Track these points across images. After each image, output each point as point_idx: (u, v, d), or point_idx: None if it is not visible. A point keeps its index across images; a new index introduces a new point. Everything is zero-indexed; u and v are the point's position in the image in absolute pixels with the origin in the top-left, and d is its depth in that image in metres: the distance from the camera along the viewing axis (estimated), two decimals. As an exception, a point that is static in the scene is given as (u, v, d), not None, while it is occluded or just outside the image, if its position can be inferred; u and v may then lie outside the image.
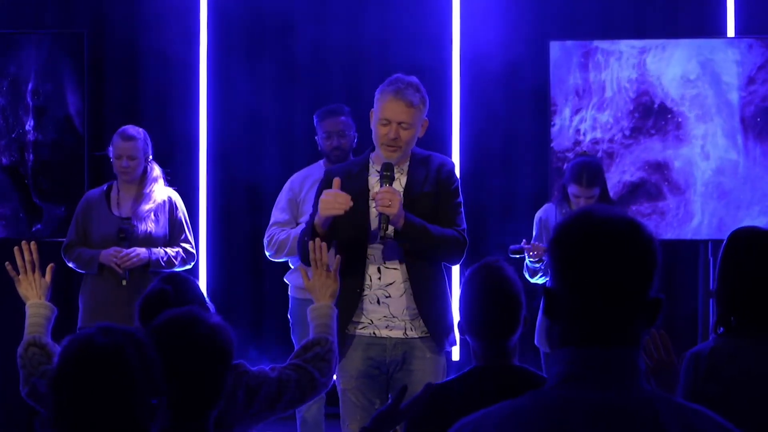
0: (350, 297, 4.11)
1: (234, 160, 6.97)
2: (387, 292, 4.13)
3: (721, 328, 3.10)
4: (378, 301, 4.13)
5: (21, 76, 6.49)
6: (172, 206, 5.50)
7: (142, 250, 5.33)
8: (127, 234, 5.35)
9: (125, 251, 5.30)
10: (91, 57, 6.67)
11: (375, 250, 4.12)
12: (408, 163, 4.21)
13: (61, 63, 6.49)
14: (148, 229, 5.40)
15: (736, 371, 3.00)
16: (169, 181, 5.62)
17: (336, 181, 4.03)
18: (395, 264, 4.12)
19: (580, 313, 1.73)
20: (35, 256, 3.45)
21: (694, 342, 6.26)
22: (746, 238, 3.14)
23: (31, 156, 6.49)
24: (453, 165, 4.28)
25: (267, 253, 5.55)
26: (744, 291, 3.06)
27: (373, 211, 4.08)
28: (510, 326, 2.93)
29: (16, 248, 3.47)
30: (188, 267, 5.48)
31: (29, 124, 6.49)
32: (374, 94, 4.24)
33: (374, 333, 4.14)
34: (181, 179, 6.87)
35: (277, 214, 5.57)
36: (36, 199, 6.47)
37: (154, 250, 5.37)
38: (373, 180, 4.18)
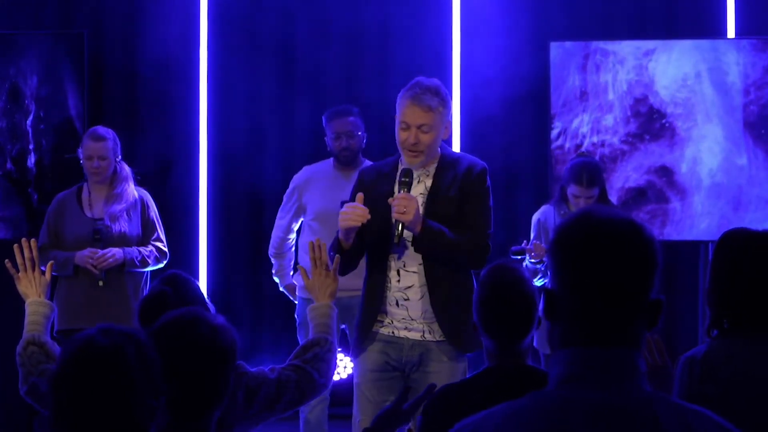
0: (373, 297, 4.16)
1: (234, 162, 6.97)
2: (406, 294, 4.15)
3: (715, 331, 3.09)
4: (397, 303, 4.16)
5: (21, 77, 6.48)
6: (144, 205, 5.53)
7: (117, 251, 5.35)
8: (102, 235, 5.37)
9: (101, 252, 5.32)
10: (91, 57, 6.66)
11: (395, 253, 4.14)
12: (435, 165, 4.21)
13: (61, 63, 6.49)
14: (122, 229, 5.42)
15: (731, 373, 2.99)
16: (139, 181, 5.65)
17: (359, 196, 4.06)
18: (414, 267, 4.14)
19: (580, 314, 1.73)
20: (35, 253, 3.45)
21: (695, 342, 6.26)
22: (738, 239, 3.14)
23: (31, 158, 6.48)
24: (483, 167, 4.25)
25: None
26: (737, 292, 3.05)
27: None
28: (524, 326, 2.97)
29: (15, 246, 3.47)
30: (161, 266, 5.50)
31: (29, 126, 6.48)
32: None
33: (393, 333, 4.18)
34: (182, 180, 6.89)
35: (277, 220, 5.79)
36: (36, 200, 6.46)
37: (128, 249, 5.40)
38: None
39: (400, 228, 4.01)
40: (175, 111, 6.97)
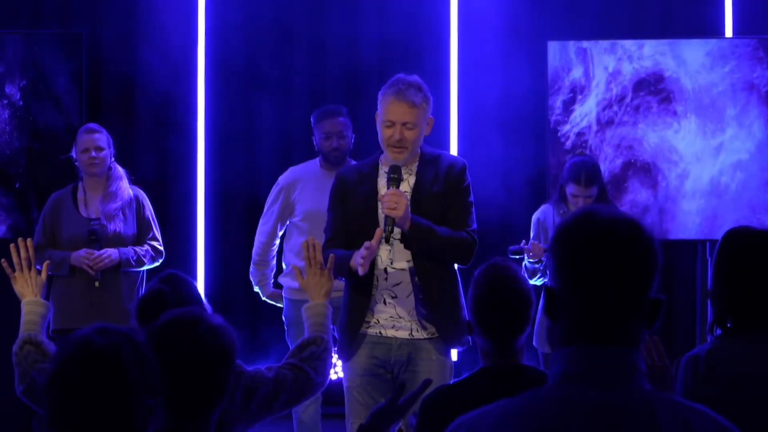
0: (359, 297, 4.14)
1: (231, 164, 6.97)
2: (393, 292, 4.14)
3: (718, 330, 3.08)
4: (384, 302, 4.15)
5: (18, 78, 6.47)
6: (140, 205, 5.52)
7: (113, 251, 5.34)
8: (97, 235, 5.36)
9: (97, 253, 5.31)
10: (89, 58, 6.65)
11: (382, 251, 4.12)
12: (417, 163, 4.21)
13: (59, 64, 6.47)
14: (118, 228, 5.41)
15: (734, 372, 2.99)
16: (133, 181, 5.64)
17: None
18: (402, 265, 4.13)
19: (580, 313, 1.74)
20: (31, 253, 3.44)
21: (692, 341, 6.26)
22: (741, 238, 3.13)
23: (27, 157, 6.47)
24: (464, 164, 4.27)
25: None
26: (740, 291, 3.05)
27: (381, 213, 4.08)
28: (519, 325, 2.96)
29: (12, 245, 3.47)
30: (156, 264, 5.50)
31: (26, 126, 6.47)
32: (373, 97, 4.25)
33: (380, 332, 4.16)
34: (180, 181, 6.89)
35: (260, 226, 5.75)
36: (33, 199, 6.45)
37: (124, 249, 5.39)
38: (382, 182, 4.18)
39: (391, 225, 4.00)
40: (174, 112, 6.97)
